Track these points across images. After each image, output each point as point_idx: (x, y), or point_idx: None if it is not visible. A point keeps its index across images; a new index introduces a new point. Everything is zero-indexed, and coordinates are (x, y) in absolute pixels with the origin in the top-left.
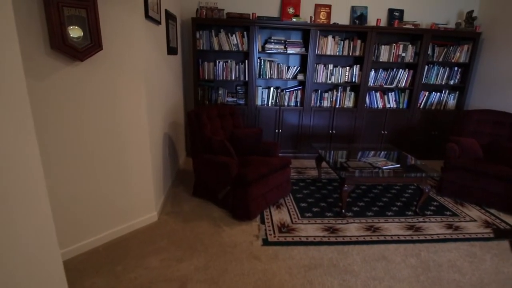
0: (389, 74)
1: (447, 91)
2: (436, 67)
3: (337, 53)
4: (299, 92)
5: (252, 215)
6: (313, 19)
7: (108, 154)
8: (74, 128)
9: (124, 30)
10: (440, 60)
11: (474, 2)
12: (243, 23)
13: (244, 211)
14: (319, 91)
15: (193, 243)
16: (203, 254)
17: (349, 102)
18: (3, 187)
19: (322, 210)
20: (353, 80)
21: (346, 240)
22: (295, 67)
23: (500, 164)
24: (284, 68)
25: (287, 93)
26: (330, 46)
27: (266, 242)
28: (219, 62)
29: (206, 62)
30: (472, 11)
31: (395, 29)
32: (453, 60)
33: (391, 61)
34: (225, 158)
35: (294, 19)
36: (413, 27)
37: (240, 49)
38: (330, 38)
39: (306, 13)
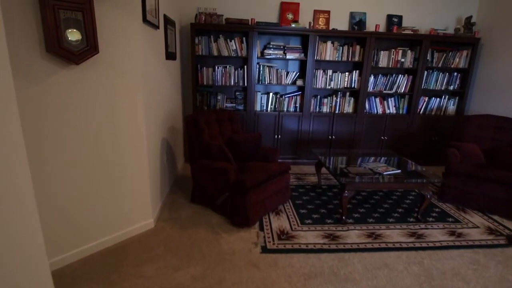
0: (389, 80)
1: (447, 97)
2: (435, 73)
3: (336, 59)
4: (298, 98)
5: (251, 222)
6: (312, 24)
7: (104, 159)
8: (70, 133)
9: (121, 33)
10: (440, 65)
11: (472, 8)
12: (242, 29)
13: (242, 217)
14: (319, 96)
15: (190, 251)
16: (201, 262)
17: (348, 108)
18: None
19: (322, 217)
20: (353, 85)
21: (346, 248)
22: (294, 73)
23: (502, 169)
24: (283, 73)
25: (286, 99)
26: (329, 51)
27: (265, 250)
28: (218, 68)
29: (205, 68)
30: (471, 16)
31: (394, 34)
32: (452, 66)
33: (390, 66)
34: (223, 163)
35: (293, 25)
36: (412, 32)
37: (239, 54)
38: (329, 43)
39: (305, 19)
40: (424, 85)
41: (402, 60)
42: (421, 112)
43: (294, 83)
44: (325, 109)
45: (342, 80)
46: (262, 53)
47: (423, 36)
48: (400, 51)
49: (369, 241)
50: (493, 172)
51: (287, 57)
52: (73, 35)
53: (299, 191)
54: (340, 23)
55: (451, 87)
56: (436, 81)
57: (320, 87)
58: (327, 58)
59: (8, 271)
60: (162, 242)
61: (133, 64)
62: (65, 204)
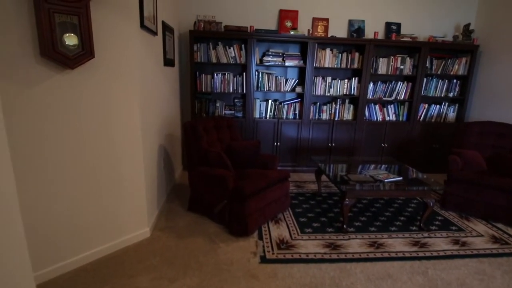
0: (388, 87)
1: (447, 104)
2: (434, 80)
3: (335, 66)
4: (297, 105)
5: (250, 231)
6: (310, 32)
7: (99, 166)
8: (63, 138)
9: (118, 38)
10: (439, 72)
11: (470, 16)
12: (241, 36)
13: (241, 226)
14: (318, 103)
15: (186, 261)
16: (197, 273)
17: (348, 115)
18: None
19: (323, 226)
20: (352, 92)
21: (348, 257)
22: (293, 80)
23: (504, 176)
24: (282, 80)
25: (286, 106)
26: (328, 58)
27: (264, 260)
28: (216, 75)
29: (203, 75)
30: (469, 24)
31: (393, 41)
32: (451, 73)
33: (389, 73)
34: (221, 170)
35: (292, 32)
36: (410, 40)
37: (238, 61)
38: (328, 50)
39: (303, 27)
40: (423, 92)
41: (401, 67)
42: (421, 119)
43: (293, 90)
44: (324, 116)
45: (341, 87)
46: (261, 60)
47: (422, 43)
48: (399, 58)
49: (371, 250)
50: (495, 179)
51: (286, 64)
52: (71, 40)
53: (299, 199)
54: (339, 30)
55: (451, 94)
56: (436, 88)
57: (319, 94)
58: (326, 65)
59: None
60: (158, 252)
61: (130, 70)
62: (56, 213)
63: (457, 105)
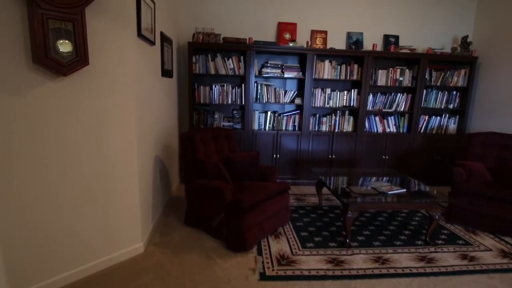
0: (388, 98)
1: (447, 115)
2: (434, 91)
3: (334, 77)
4: (297, 117)
5: (248, 246)
6: (309, 44)
7: (91, 177)
8: (55, 148)
9: (114, 46)
10: (438, 84)
11: (468, 28)
12: (239, 48)
13: (239, 241)
14: (317, 115)
15: (181, 279)
16: None
17: (348, 127)
18: None
19: (325, 240)
20: (352, 104)
21: (352, 274)
22: (292, 91)
23: (510, 188)
24: (281, 92)
25: (285, 118)
26: (327, 70)
27: (263, 277)
28: (215, 86)
29: (202, 86)
30: (467, 36)
31: (392, 53)
32: (451, 84)
33: (389, 85)
34: (219, 182)
35: (290, 44)
36: (409, 51)
37: (237, 73)
38: (327, 62)
39: (302, 39)
40: (423, 103)
41: (401, 78)
42: (421, 131)
43: (292, 101)
44: (324, 128)
45: (340, 98)
46: (260, 72)
47: (421, 55)
48: (398, 70)
49: (377, 266)
50: (503, 191)
51: (285, 75)
52: (65, 46)
53: (299, 213)
54: (337, 43)
55: (451, 106)
56: (436, 99)
57: (318, 105)
58: (325, 77)
59: None
60: (152, 269)
61: (126, 78)
62: (44, 227)
63: (457, 116)
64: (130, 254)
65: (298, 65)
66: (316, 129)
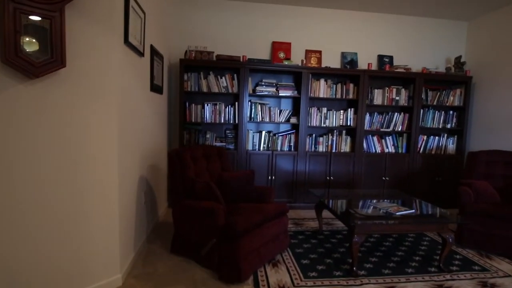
0: (385, 118)
1: (446, 135)
2: (431, 111)
3: (330, 96)
4: (292, 136)
5: (243, 276)
6: (304, 62)
7: (63, 200)
8: (22, 161)
9: (97, 50)
10: (435, 103)
11: (460, 48)
12: (233, 65)
13: (233, 271)
14: (314, 135)
15: None
16: None
17: (345, 147)
18: None
19: (329, 268)
20: (348, 123)
21: None
22: (288, 111)
23: None
24: (276, 111)
25: (280, 137)
26: (322, 89)
27: None
28: (207, 105)
29: (193, 104)
30: (460, 56)
31: (388, 72)
32: (447, 104)
33: (385, 104)
34: (210, 203)
35: (285, 62)
36: (404, 70)
37: (230, 91)
38: (322, 81)
39: (297, 58)
40: (421, 123)
41: (397, 98)
42: (421, 151)
43: (287, 121)
44: (321, 148)
45: (337, 118)
46: (254, 90)
47: (416, 74)
48: (394, 89)
49: None
50: None
51: (280, 93)
52: (30, 46)
53: (299, 238)
54: (332, 62)
55: (449, 126)
56: (433, 119)
57: (315, 125)
58: (321, 95)
59: None
60: None
61: (109, 86)
62: (4, 257)
63: (456, 136)
64: None
65: (293, 83)
66: (313, 149)
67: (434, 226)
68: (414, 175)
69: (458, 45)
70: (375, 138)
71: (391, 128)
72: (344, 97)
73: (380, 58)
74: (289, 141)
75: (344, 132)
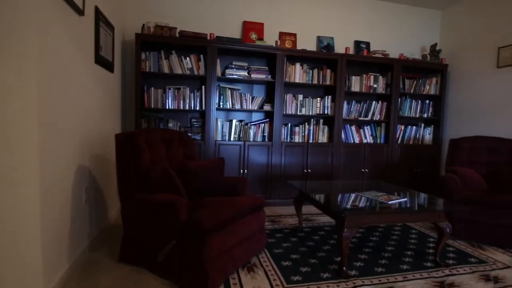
0: (363, 106)
1: (423, 125)
2: (408, 100)
3: (307, 81)
4: (266, 126)
5: (211, 285)
6: (278, 44)
7: None
8: None
9: None
10: (412, 92)
11: (435, 36)
12: (199, 43)
13: (197, 279)
14: (289, 124)
15: None
16: None
17: (323, 137)
18: None
19: (315, 270)
20: (326, 112)
21: None
22: (261, 98)
23: (510, 194)
24: (248, 97)
25: (253, 127)
26: (298, 74)
27: None
28: (169, 89)
29: (153, 88)
30: (436, 44)
31: (366, 57)
32: (424, 93)
33: (363, 91)
34: (169, 195)
35: (258, 43)
36: (382, 56)
37: (196, 73)
38: (298, 66)
39: (270, 40)
40: (399, 112)
41: (375, 85)
42: (399, 141)
43: (261, 108)
44: (297, 138)
45: (314, 106)
46: (223, 74)
47: (394, 60)
48: (372, 77)
49: None
50: (504, 197)
51: (252, 77)
52: None
53: (276, 237)
54: (308, 46)
55: (425, 115)
56: (410, 108)
57: (290, 113)
58: (297, 81)
59: None
60: None
61: (21, 47)
62: None
63: (432, 126)
64: None
65: (266, 67)
66: (289, 139)
67: (432, 215)
68: (395, 166)
69: (433, 33)
70: (353, 128)
71: (369, 117)
72: (321, 83)
73: (357, 44)
74: (263, 131)
75: (321, 121)
